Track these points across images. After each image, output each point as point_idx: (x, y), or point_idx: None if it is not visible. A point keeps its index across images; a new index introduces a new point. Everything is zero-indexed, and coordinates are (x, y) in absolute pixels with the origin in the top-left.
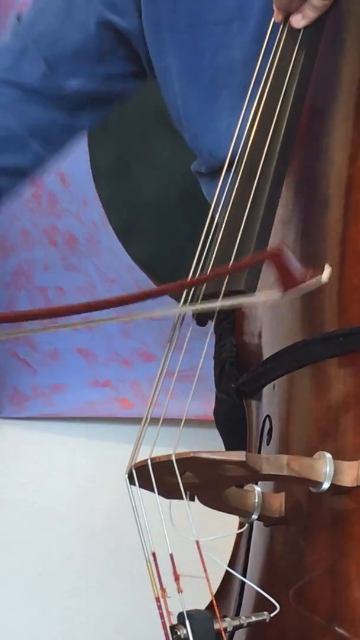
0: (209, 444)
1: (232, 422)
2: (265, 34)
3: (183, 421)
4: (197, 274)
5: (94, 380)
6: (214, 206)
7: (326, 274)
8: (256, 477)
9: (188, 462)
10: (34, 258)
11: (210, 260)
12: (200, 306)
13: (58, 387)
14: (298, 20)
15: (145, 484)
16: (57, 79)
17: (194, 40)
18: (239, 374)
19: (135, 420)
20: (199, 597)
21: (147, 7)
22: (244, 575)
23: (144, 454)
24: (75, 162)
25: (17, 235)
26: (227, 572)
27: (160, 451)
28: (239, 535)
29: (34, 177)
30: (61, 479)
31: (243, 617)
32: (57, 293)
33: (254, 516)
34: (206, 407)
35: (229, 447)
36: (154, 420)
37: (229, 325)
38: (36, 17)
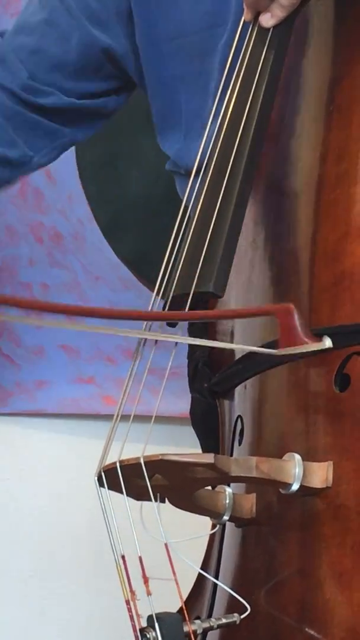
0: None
1: (208, 422)
2: (243, 37)
3: (153, 419)
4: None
5: (77, 377)
6: (187, 205)
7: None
8: (226, 478)
9: (157, 465)
10: (19, 254)
11: (180, 259)
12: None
13: (42, 383)
14: (267, 20)
15: (115, 486)
16: (35, 91)
17: (180, 50)
18: (211, 373)
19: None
20: (171, 600)
21: (140, 25)
22: (217, 577)
23: (127, 452)
24: (61, 158)
25: (2, 231)
26: (199, 574)
27: (148, 449)
28: (211, 537)
29: (25, 174)
30: (44, 475)
31: (213, 620)
32: (41, 289)
33: (225, 517)
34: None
35: (205, 447)
36: (136, 418)
37: (202, 326)
38: (19, 29)
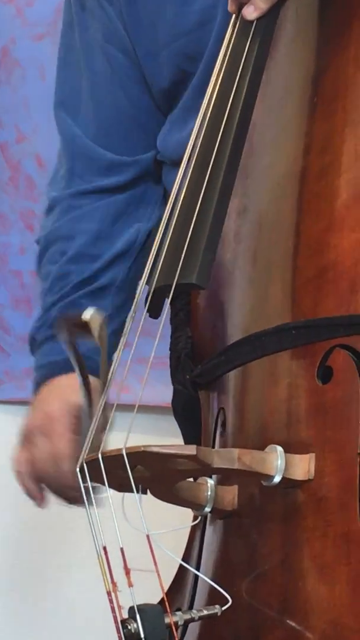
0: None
1: (190, 413)
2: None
3: (136, 409)
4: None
5: None
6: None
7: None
8: (207, 470)
9: (139, 456)
10: (10, 242)
11: (163, 251)
12: None
13: (31, 371)
14: (250, 12)
15: (97, 478)
16: (115, 165)
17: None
18: (194, 365)
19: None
20: (152, 591)
21: (136, 42)
22: (198, 569)
23: (112, 441)
24: (53, 145)
25: None
26: (181, 565)
27: (133, 438)
28: (193, 529)
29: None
30: None
31: (194, 611)
32: (32, 277)
33: (207, 509)
34: None
35: (187, 437)
36: (126, 407)
37: (185, 317)
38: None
